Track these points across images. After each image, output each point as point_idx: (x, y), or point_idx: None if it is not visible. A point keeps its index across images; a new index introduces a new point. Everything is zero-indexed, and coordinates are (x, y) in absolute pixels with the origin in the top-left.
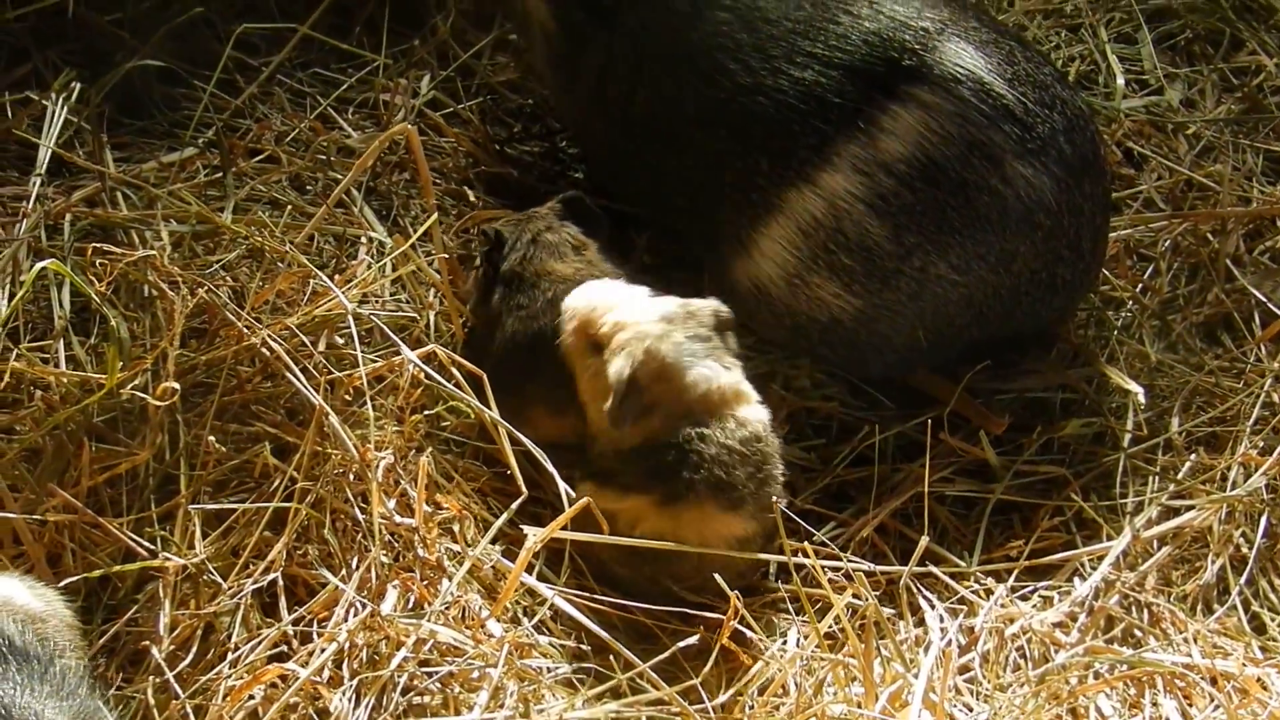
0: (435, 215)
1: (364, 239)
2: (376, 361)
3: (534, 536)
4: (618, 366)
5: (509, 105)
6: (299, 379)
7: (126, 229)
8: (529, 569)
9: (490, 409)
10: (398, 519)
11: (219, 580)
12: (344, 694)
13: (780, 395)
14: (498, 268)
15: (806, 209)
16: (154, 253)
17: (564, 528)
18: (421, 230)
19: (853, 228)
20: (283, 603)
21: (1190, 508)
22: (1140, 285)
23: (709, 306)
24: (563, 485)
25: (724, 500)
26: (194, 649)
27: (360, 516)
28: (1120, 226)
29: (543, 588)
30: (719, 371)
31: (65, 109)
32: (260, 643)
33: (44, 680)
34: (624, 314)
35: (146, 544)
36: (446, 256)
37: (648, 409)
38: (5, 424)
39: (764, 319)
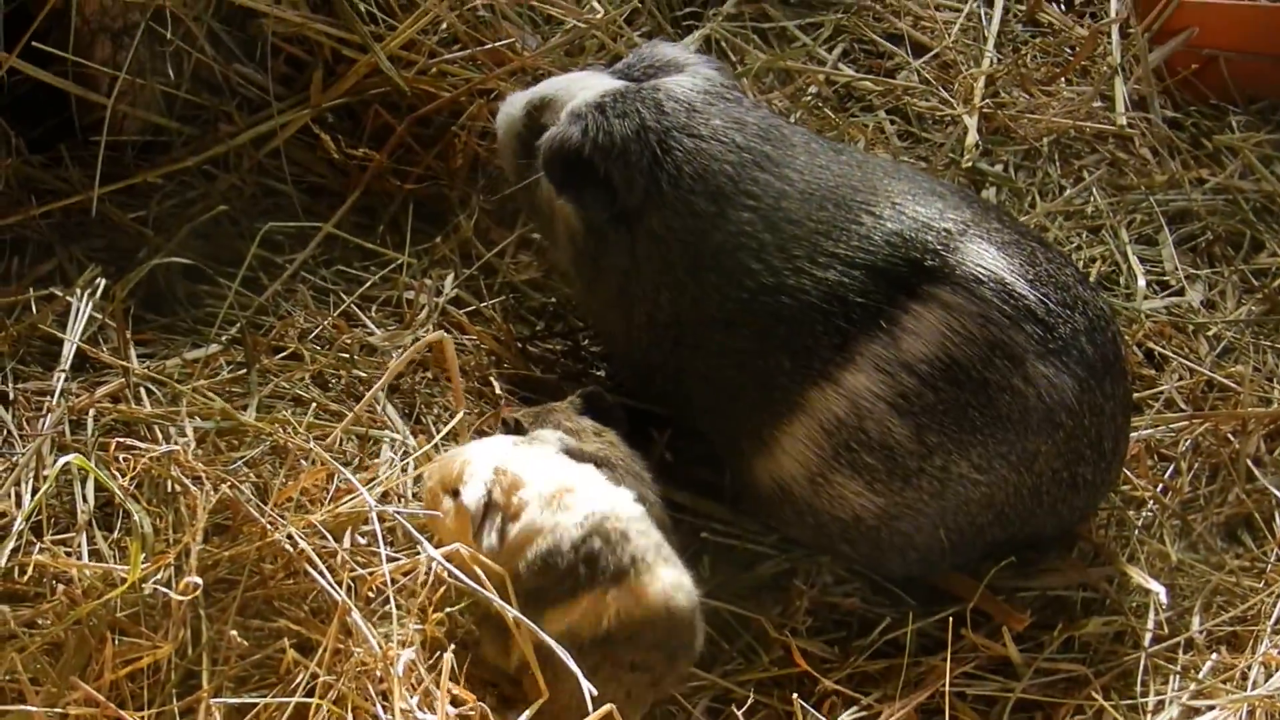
0: (462, 413)
1: (387, 438)
2: (399, 559)
3: None
4: (471, 492)
5: (531, 303)
6: (323, 576)
7: (150, 425)
8: None
9: (512, 606)
10: (419, 715)
11: None
12: None
13: (801, 590)
14: None
15: (829, 408)
16: (177, 448)
17: None
18: (446, 431)
19: (875, 427)
20: None
21: (1211, 707)
22: (1161, 485)
23: (553, 436)
24: (586, 685)
25: (658, 556)
26: None
27: (382, 714)
28: (1141, 426)
29: None
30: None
31: (89, 305)
32: None
33: None
34: (476, 453)
35: None
36: None
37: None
38: (28, 618)
39: (786, 517)
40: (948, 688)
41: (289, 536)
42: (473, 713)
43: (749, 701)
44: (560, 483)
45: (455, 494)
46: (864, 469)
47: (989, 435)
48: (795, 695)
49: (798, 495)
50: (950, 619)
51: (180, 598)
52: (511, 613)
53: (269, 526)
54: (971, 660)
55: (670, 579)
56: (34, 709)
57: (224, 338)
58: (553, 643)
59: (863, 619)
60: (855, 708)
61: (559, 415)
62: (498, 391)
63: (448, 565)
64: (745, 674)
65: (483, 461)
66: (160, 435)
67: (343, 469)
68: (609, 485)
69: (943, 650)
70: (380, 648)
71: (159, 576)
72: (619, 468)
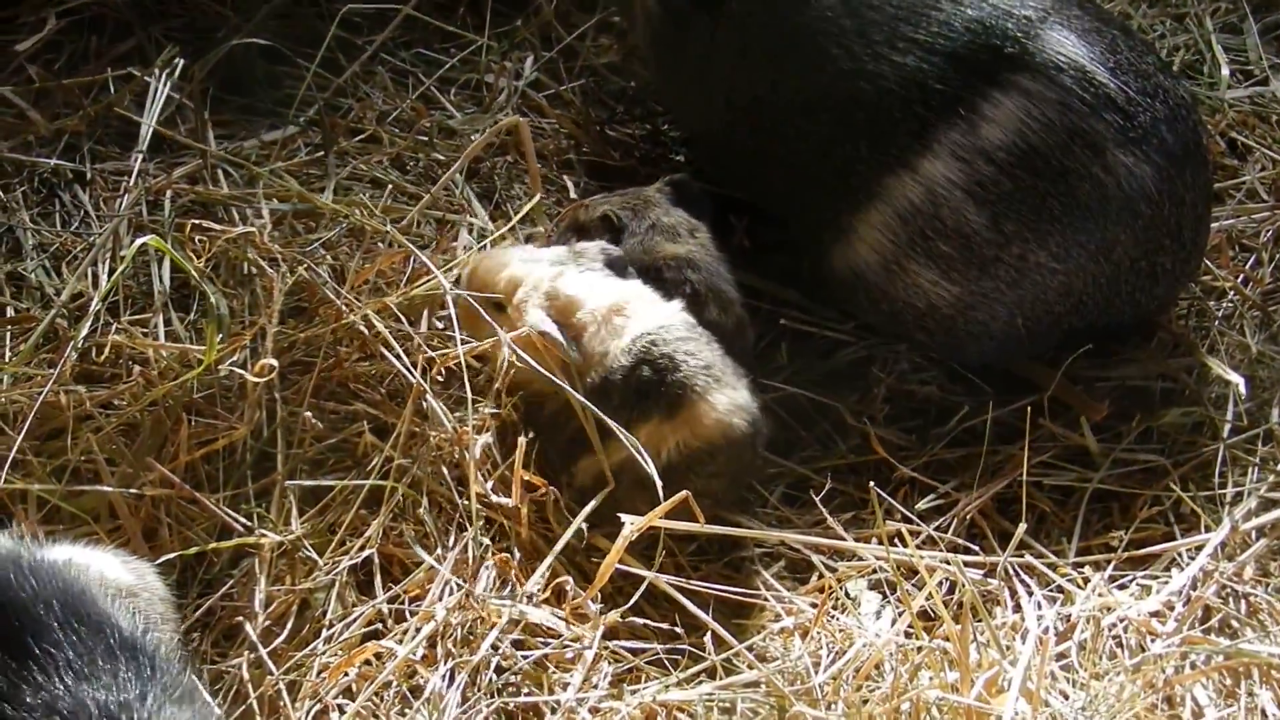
0: (539, 197)
1: (465, 222)
2: (475, 343)
3: (631, 524)
4: (534, 319)
5: (611, 87)
6: (399, 359)
7: (227, 206)
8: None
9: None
10: (494, 498)
11: (314, 557)
12: (439, 673)
13: (879, 378)
14: None
15: (905, 195)
16: (254, 230)
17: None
18: (523, 213)
19: (951, 215)
20: (378, 581)
21: None
22: (1241, 276)
23: (595, 246)
24: (653, 471)
25: (709, 379)
26: (289, 625)
27: (457, 498)
28: (1222, 217)
29: (639, 571)
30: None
31: (168, 86)
32: (355, 620)
33: (155, 679)
34: (517, 269)
35: (242, 520)
36: (540, 241)
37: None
38: (104, 398)
39: (861, 303)
40: (1025, 477)
41: (365, 319)
42: (546, 498)
43: (826, 488)
44: (612, 301)
45: (499, 307)
46: (939, 257)
47: (1067, 224)
48: (872, 484)
49: (873, 283)
50: (1028, 409)
51: (256, 379)
52: (578, 399)
53: (344, 309)
54: (1049, 450)
55: (725, 404)
56: (110, 489)
57: (302, 119)
58: (621, 431)
59: (940, 407)
60: (932, 496)
61: (656, 210)
62: (571, 193)
63: (519, 350)
64: (822, 461)
65: (532, 279)
66: (237, 217)
67: (418, 251)
68: (654, 301)
69: (1020, 439)
70: (455, 431)
71: (235, 359)
72: (703, 269)
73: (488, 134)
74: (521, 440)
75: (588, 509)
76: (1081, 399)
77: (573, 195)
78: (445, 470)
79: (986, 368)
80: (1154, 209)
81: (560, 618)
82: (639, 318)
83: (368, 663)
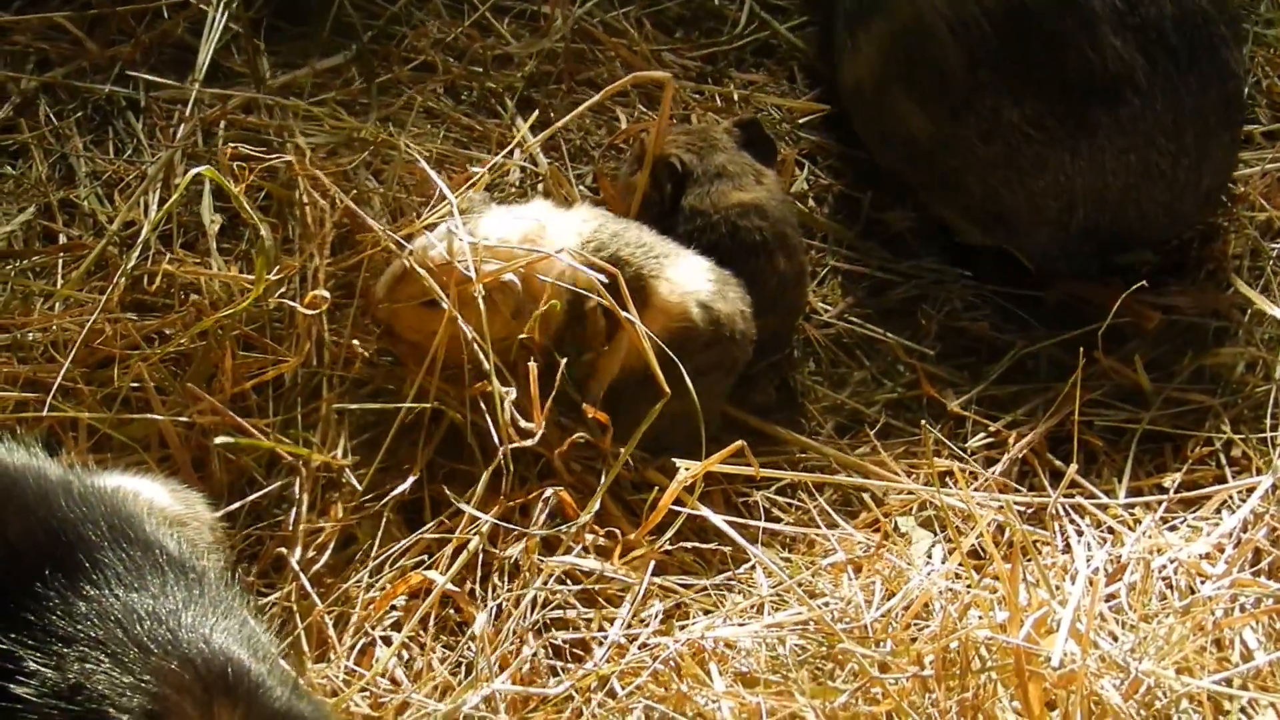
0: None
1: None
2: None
3: (684, 469)
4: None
5: (671, 14)
6: (431, 282)
7: (279, 136)
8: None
9: (630, 313)
10: (523, 423)
11: (357, 487)
12: (485, 605)
13: (930, 315)
14: (677, 198)
15: (900, 15)
16: (304, 160)
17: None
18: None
19: (934, 47)
20: (426, 514)
21: None
22: None
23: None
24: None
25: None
26: (335, 557)
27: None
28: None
29: (689, 507)
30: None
31: (224, 15)
32: (402, 551)
33: (203, 595)
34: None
35: (291, 445)
36: (606, 176)
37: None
38: (154, 327)
39: (860, 120)
40: (1076, 415)
41: (400, 248)
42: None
43: (879, 423)
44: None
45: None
46: (917, 87)
47: (1044, 90)
48: (924, 421)
49: (869, 100)
50: (1080, 347)
51: (307, 311)
52: (625, 316)
53: (385, 236)
54: (1101, 388)
55: (681, 276)
56: (159, 417)
57: (355, 47)
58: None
59: (992, 344)
60: (983, 433)
61: (721, 155)
62: (623, 124)
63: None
64: (875, 395)
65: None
66: (288, 146)
67: (436, 178)
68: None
69: (1072, 376)
70: (491, 359)
71: (284, 290)
72: (771, 216)
73: (623, 82)
74: (564, 364)
75: (636, 436)
76: (1134, 309)
77: (624, 126)
78: (484, 403)
79: (1038, 301)
80: (1144, 100)
81: (608, 554)
82: (558, 236)
83: (414, 595)
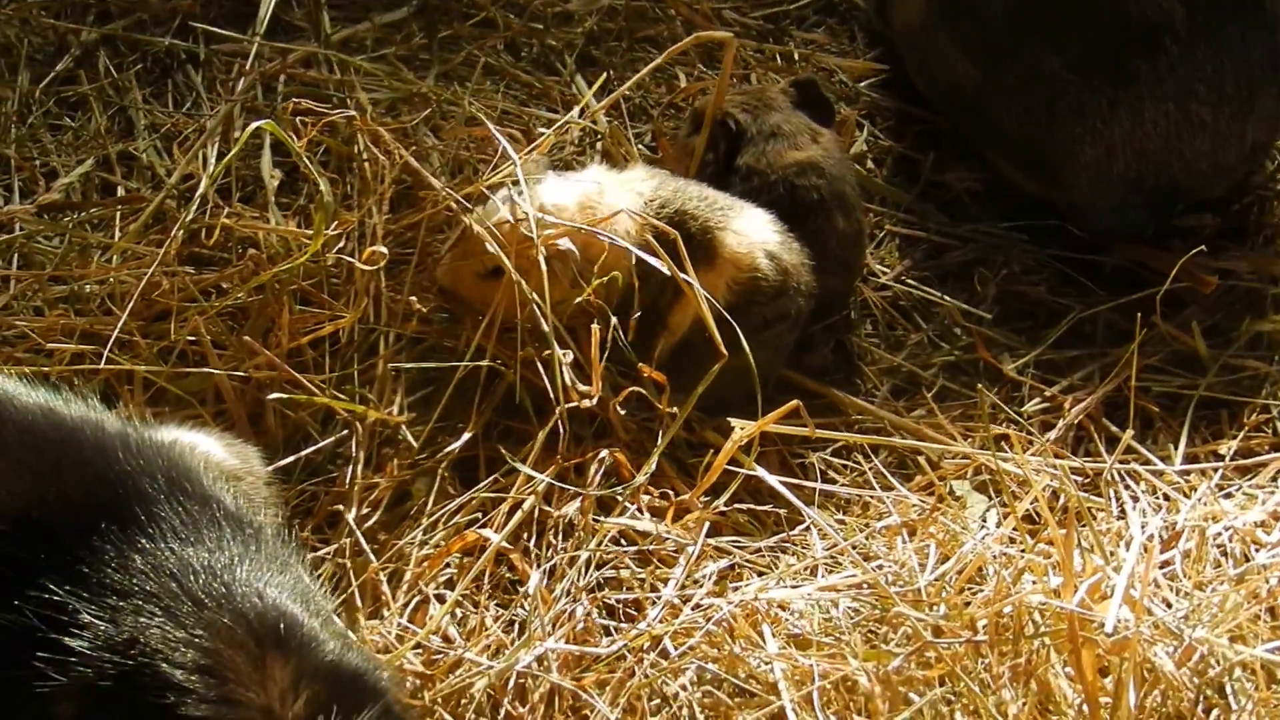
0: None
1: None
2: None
3: (740, 429)
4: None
5: None
6: (492, 243)
7: (339, 91)
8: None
9: (690, 275)
10: (581, 386)
11: (413, 444)
12: (540, 565)
13: (988, 278)
14: (732, 157)
15: None
16: (363, 115)
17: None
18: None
19: None
20: (481, 472)
21: None
22: None
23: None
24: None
25: (725, 215)
26: (389, 513)
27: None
28: None
29: (745, 468)
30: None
31: None
32: (458, 508)
33: (258, 550)
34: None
35: (346, 400)
36: (665, 136)
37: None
38: (211, 281)
39: (910, 63)
40: (1134, 381)
41: (459, 206)
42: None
43: (936, 386)
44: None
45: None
46: (961, 34)
47: (1081, 38)
48: (980, 385)
49: (916, 44)
50: (1138, 313)
51: (365, 268)
52: (684, 277)
53: (446, 194)
54: (1158, 354)
55: (747, 227)
56: (216, 371)
57: (416, 2)
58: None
59: (1050, 308)
60: (1039, 398)
61: (775, 115)
62: (682, 82)
63: (607, 235)
64: (931, 358)
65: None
66: (348, 101)
67: (501, 138)
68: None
69: (1130, 342)
70: (550, 322)
71: (342, 245)
72: (828, 174)
73: (685, 43)
74: (596, 329)
75: (695, 395)
76: (1192, 273)
77: (682, 84)
78: (540, 364)
79: (1097, 266)
80: (1182, 49)
81: (662, 514)
82: (617, 198)
83: (468, 554)
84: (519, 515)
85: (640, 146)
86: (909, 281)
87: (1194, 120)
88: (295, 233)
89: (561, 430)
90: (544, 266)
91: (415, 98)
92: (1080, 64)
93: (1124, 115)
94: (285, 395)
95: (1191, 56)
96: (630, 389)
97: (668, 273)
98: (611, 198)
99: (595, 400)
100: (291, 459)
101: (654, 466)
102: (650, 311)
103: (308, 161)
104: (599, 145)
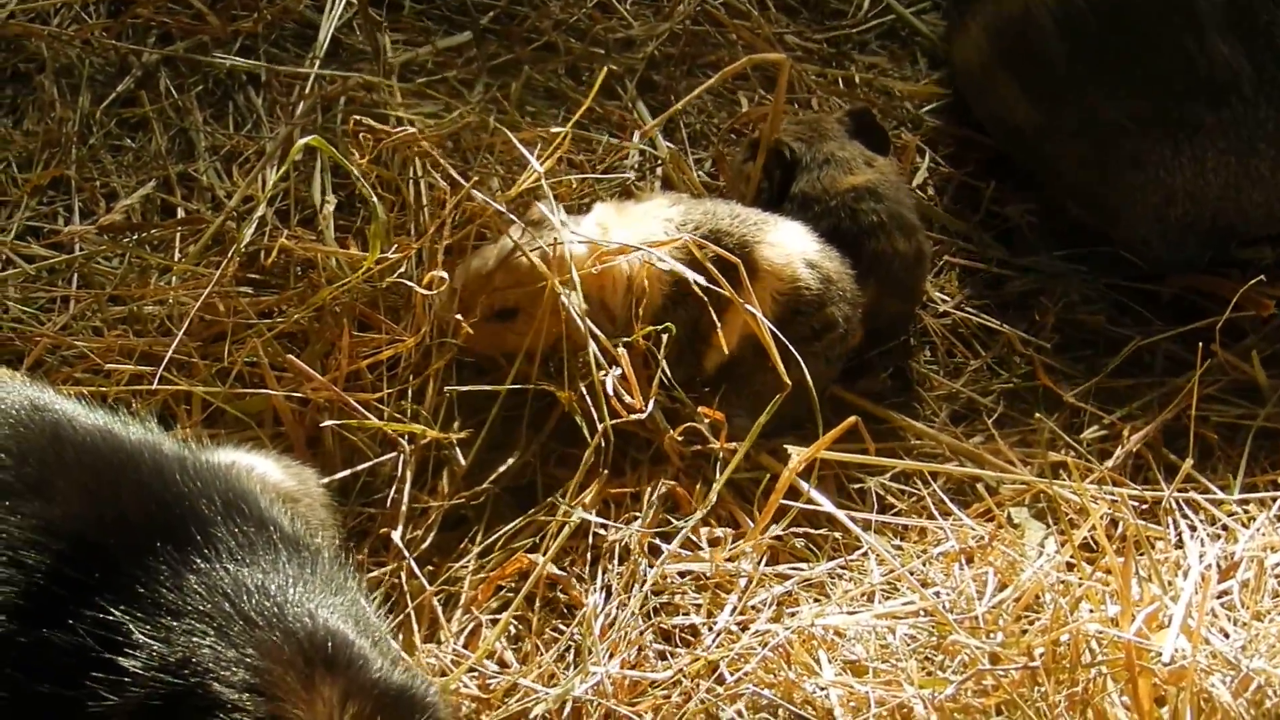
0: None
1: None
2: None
3: (797, 455)
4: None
5: None
6: (543, 267)
7: (398, 114)
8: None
9: (753, 304)
10: (627, 399)
11: (462, 463)
12: (596, 589)
13: (1047, 308)
14: (786, 185)
15: (1008, 1)
16: (422, 136)
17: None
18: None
19: (1037, 36)
20: (539, 496)
21: None
22: None
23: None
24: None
25: (759, 229)
26: (444, 535)
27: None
28: None
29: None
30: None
31: None
32: (514, 532)
33: (314, 572)
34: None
35: (403, 422)
36: (726, 159)
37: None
38: (270, 303)
39: (970, 99)
40: (1194, 410)
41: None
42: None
43: (995, 413)
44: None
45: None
46: (1020, 75)
47: (1144, 89)
48: (1038, 413)
49: (974, 82)
50: (1198, 342)
51: (425, 292)
52: (742, 303)
53: (505, 213)
54: (1217, 383)
55: (783, 239)
56: (274, 392)
57: (478, 25)
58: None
59: (1109, 337)
60: (1098, 425)
61: (830, 144)
62: (744, 107)
63: (666, 257)
64: (990, 384)
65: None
66: (408, 124)
67: (524, 149)
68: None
69: (1189, 371)
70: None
71: (402, 270)
72: (886, 197)
73: (738, 65)
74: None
75: (756, 428)
76: (1251, 297)
77: (744, 109)
78: (586, 392)
79: (1153, 297)
80: (1246, 107)
81: (719, 541)
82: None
83: (523, 577)
84: (563, 537)
85: (700, 173)
86: (968, 309)
87: (1253, 173)
88: (353, 255)
89: (604, 444)
90: (574, 302)
91: (472, 121)
92: (1141, 112)
93: (1185, 164)
94: (341, 421)
95: (1255, 113)
96: (687, 425)
97: (723, 293)
98: (619, 235)
99: (645, 414)
100: (347, 476)
101: (713, 500)
102: (691, 332)
103: (364, 182)
104: (659, 170)
